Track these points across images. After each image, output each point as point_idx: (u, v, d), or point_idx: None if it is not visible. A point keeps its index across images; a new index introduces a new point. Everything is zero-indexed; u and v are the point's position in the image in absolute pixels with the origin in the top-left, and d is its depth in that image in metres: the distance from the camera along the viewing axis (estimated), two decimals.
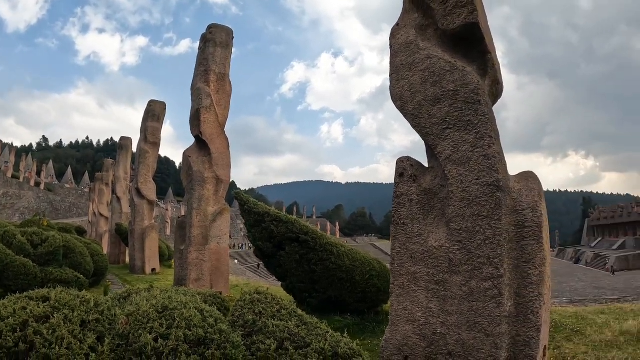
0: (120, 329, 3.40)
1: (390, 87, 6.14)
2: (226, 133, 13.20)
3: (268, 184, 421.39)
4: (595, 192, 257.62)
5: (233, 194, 12.24)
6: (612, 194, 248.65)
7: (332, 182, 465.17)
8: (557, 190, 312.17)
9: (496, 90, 5.97)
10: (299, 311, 4.41)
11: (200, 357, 3.13)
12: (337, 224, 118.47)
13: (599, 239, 72.24)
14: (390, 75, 6.16)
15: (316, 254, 8.74)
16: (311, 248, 8.79)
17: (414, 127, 5.71)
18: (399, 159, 6.09)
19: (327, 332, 3.93)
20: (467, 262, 4.99)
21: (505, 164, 5.13)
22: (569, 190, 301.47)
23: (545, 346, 5.12)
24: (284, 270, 9.54)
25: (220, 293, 6.81)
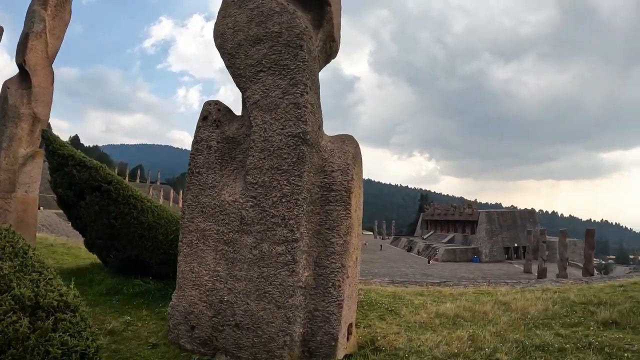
0: None
1: (215, 23, 5.42)
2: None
3: (114, 143, 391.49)
4: (433, 191, 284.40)
5: (41, 132, 10.45)
6: (448, 195, 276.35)
7: (182, 148, 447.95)
8: (399, 185, 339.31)
9: (330, 47, 5.50)
10: (31, 252, 3.43)
11: None
12: (181, 192, 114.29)
13: (431, 232, 79.49)
14: (219, 12, 5.42)
15: (117, 207, 7.60)
16: (113, 199, 7.63)
17: (228, 67, 5.00)
18: (207, 101, 5.36)
19: (50, 278, 3.04)
20: (260, 221, 4.42)
21: (318, 119, 4.63)
22: (410, 187, 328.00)
23: (351, 324, 4.77)
24: (84, 224, 8.26)
25: None
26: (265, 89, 4.61)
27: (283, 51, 4.56)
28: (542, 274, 40.45)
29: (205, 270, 4.82)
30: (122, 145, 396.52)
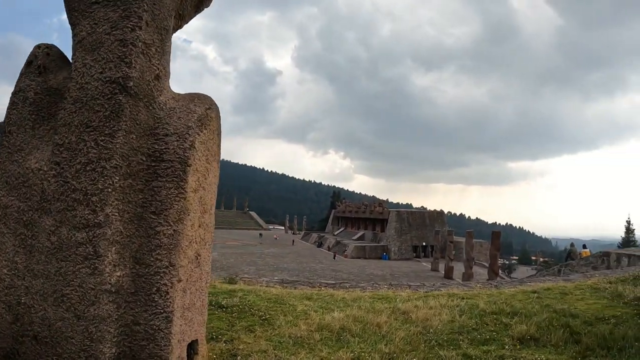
0: None
1: None
2: None
3: None
4: (346, 189, 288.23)
5: None
6: (360, 193, 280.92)
7: None
8: (313, 181, 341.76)
9: None
10: None
11: None
12: None
13: (342, 229, 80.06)
14: None
15: None
16: None
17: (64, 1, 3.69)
18: (36, 45, 4.00)
19: None
20: (61, 196, 3.17)
21: (156, 66, 3.44)
22: (323, 183, 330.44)
23: (195, 341, 3.64)
24: None
25: None
26: (94, 23, 3.38)
27: None
28: (448, 273, 41.76)
29: (5, 261, 3.51)
30: None
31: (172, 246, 3.15)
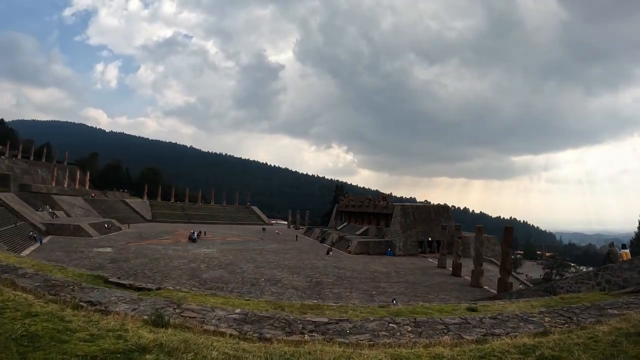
0: None
1: None
2: None
3: (25, 119, 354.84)
4: (350, 183, 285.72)
5: None
6: (364, 187, 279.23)
7: (96, 127, 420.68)
8: (316, 175, 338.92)
9: None
10: None
11: None
12: (88, 174, 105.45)
13: (345, 223, 78.38)
14: None
15: None
16: None
17: None
18: None
19: None
20: None
21: None
22: (326, 177, 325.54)
23: None
24: None
25: None
26: None
27: None
28: (456, 270, 40.03)
29: None
30: (34, 121, 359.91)
31: None
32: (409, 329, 6.58)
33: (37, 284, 7.75)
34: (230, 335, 6.10)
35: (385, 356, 4.85)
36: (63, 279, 8.65)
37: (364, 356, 4.71)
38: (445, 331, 6.44)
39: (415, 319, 7.04)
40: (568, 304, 9.62)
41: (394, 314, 8.78)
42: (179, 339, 5.00)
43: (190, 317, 6.83)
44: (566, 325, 6.53)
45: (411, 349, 5.18)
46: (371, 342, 5.87)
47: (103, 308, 6.57)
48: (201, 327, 6.33)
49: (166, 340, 4.87)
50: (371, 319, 7.16)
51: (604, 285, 13.31)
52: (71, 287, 7.63)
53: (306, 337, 6.23)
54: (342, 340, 6.05)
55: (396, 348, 5.35)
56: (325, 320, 7.05)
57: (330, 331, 6.53)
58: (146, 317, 6.30)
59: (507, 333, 6.14)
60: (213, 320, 6.83)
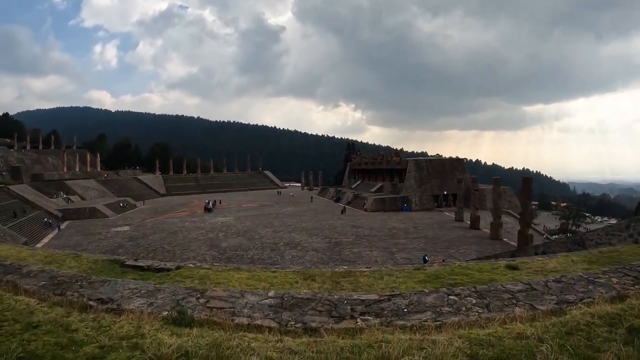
0: None
1: None
2: None
3: (29, 109, 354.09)
4: (360, 140, 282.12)
5: None
6: (374, 144, 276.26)
7: (102, 109, 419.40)
8: (326, 135, 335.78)
9: None
10: None
11: None
12: (98, 155, 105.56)
13: (359, 182, 77.83)
14: None
15: None
16: None
17: None
18: None
19: None
20: None
21: None
22: (336, 137, 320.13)
23: None
24: None
25: None
26: None
27: None
28: (474, 224, 39.46)
29: None
30: (38, 110, 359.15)
31: None
32: (473, 301, 5.67)
33: (42, 283, 7.26)
34: (269, 329, 5.16)
35: (463, 342, 4.02)
36: (71, 273, 8.16)
37: (438, 344, 3.95)
38: (513, 301, 5.58)
39: (475, 288, 6.17)
40: (614, 259, 8.91)
41: (434, 277, 8.27)
42: (207, 342, 4.21)
43: (217, 308, 5.90)
44: (637, 286, 5.83)
45: (486, 329, 4.45)
46: (437, 323, 5.07)
47: (115, 306, 5.96)
48: (232, 320, 5.43)
49: (192, 346, 4.08)
50: (426, 291, 6.20)
51: (636, 238, 12.58)
52: (79, 284, 7.13)
53: (359, 322, 5.31)
54: (403, 322, 5.19)
55: (468, 329, 4.57)
56: (376, 297, 6.02)
57: (385, 311, 5.60)
58: (166, 313, 5.54)
59: (581, 300, 5.39)
60: (245, 310, 5.85)
